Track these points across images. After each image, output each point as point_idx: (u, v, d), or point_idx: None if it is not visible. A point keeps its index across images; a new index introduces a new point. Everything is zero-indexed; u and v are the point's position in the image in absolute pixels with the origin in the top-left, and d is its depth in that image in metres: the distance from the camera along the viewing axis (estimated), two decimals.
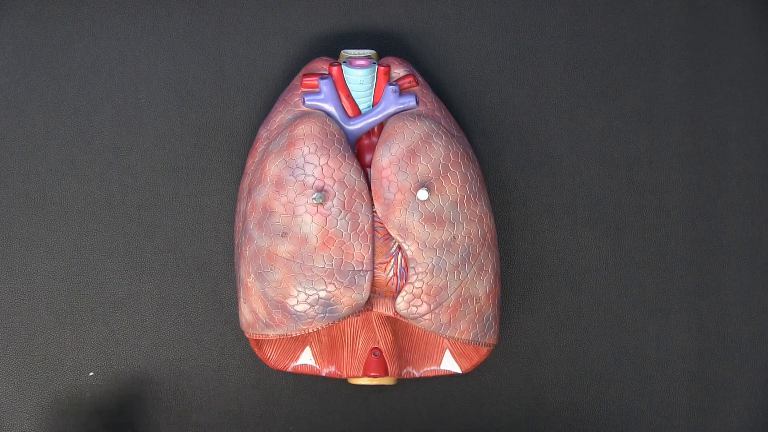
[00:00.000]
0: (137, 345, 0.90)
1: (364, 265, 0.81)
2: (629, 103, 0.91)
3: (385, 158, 0.82)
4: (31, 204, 0.91)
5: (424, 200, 0.81)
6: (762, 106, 0.91)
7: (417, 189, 0.81)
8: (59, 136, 0.91)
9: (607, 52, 0.91)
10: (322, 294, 0.81)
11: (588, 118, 0.91)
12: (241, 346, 0.90)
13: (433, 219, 0.81)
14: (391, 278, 0.82)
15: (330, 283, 0.80)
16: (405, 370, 0.90)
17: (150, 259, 0.91)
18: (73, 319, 0.91)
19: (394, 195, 0.81)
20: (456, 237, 0.82)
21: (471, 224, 0.83)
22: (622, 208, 0.92)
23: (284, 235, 0.81)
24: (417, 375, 0.90)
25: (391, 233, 0.81)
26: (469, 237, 0.82)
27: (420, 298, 0.81)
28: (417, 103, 0.85)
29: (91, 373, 0.91)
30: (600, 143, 0.91)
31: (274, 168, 0.82)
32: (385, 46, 0.90)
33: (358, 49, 0.88)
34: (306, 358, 0.89)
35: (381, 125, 0.85)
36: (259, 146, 0.86)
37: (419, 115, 0.83)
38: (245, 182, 0.86)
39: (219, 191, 0.91)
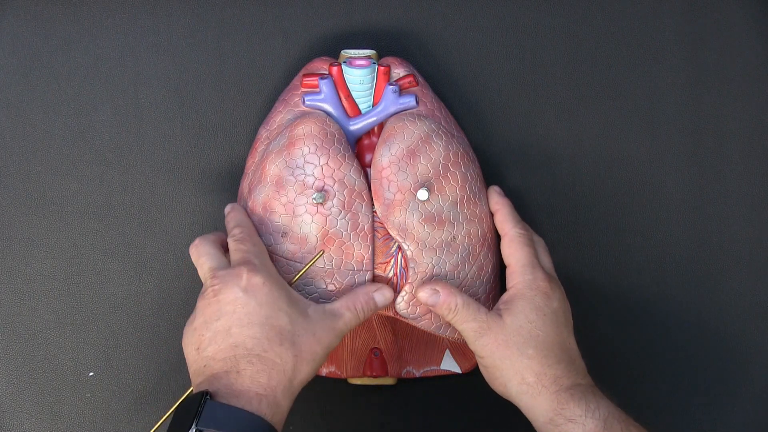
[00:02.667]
0: (137, 345, 0.90)
1: (364, 265, 0.81)
2: (629, 103, 0.91)
3: (385, 158, 0.82)
4: (31, 204, 0.91)
5: (424, 200, 0.81)
6: (762, 106, 0.91)
7: (417, 189, 0.81)
8: (59, 136, 0.91)
9: (607, 52, 0.91)
10: (323, 294, 0.81)
11: (588, 118, 0.91)
12: None
13: (433, 219, 0.81)
14: (391, 278, 0.82)
15: (330, 283, 0.80)
16: (405, 370, 0.90)
17: (150, 259, 0.91)
18: (73, 319, 0.91)
19: (394, 195, 0.81)
20: (456, 237, 0.82)
21: (471, 224, 0.83)
22: (622, 208, 0.92)
23: (284, 235, 0.81)
24: (417, 375, 0.90)
25: (391, 233, 0.81)
26: (469, 237, 0.82)
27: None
28: (417, 103, 0.85)
29: (91, 373, 0.91)
30: (600, 143, 0.91)
31: (274, 168, 0.82)
32: (385, 46, 0.90)
33: (358, 49, 0.88)
34: None
35: (381, 125, 0.85)
36: (259, 146, 0.86)
37: (419, 115, 0.83)
38: (245, 182, 0.86)
39: (219, 191, 0.91)
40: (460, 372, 0.90)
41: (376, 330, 0.88)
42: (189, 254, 0.86)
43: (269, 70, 0.91)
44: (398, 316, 0.82)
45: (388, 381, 0.90)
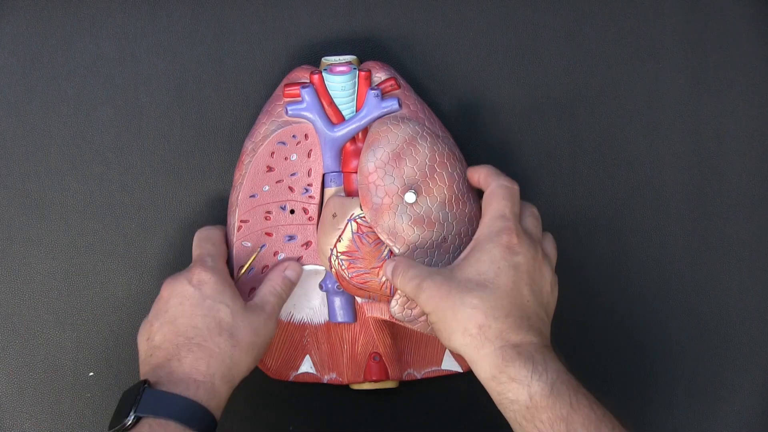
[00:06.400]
0: (137, 345, 0.90)
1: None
2: (629, 103, 0.91)
3: (371, 163, 0.82)
4: (31, 204, 0.90)
5: (412, 203, 0.81)
6: (762, 106, 0.91)
7: (404, 192, 0.81)
8: (59, 136, 0.90)
9: (607, 52, 0.91)
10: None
11: (588, 118, 0.91)
12: None
13: (423, 221, 0.82)
14: (384, 282, 0.82)
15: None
16: (406, 372, 0.90)
17: (150, 259, 0.91)
18: (73, 319, 0.91)
19: (382, 199, 0.82)
20: (447, 237, 0.82)
21: (461, 224, 0.83)
22: (622, 208, 0.92)
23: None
24: (419, 376, 0.90)
25: (381, 237, 0.82)
26: (459, 236, 0.83)
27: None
28: (400, 105, 0.85)
29: (91, 373, 0.91)
30: (600, 143, 0.91)
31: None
32: (369, 51, 0.90)
33: (339, 55, 0.88)
34: (307, 367, 0.89)
35: (365, 130, 0.85)
36: (245, 159, 0.86)
37: (402, 118, 0.84)
38: (234, 196, 0.87)
39: (219, 191, 0.91)
40: (461, 371, 0.90)
41: (374, 334, 0.88)
42: (189, 254, 0.86)
43: (269, 70, 0.91)
44: (394, 320, 0.82)
45: (390, 384, 0.89)
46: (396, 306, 0.81)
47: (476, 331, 0.74)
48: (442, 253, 0.82)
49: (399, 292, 0.81)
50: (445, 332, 0.76)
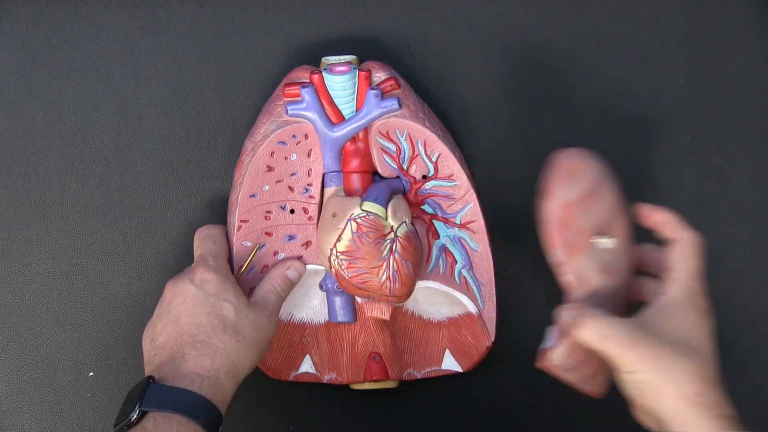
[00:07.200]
0: (137, 345, 0.90)
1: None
2: (629, 102, 0.91)
3: (565, 197, 0.76)
4: (31, 204, 0.90)
5: (608, 249, 0.75)
6: (762, 106, 0.91)
7: (597, 235, 0.75)
8: (59, 136, 0.91)
9: (607, 52, 0.91)
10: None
11: (588, 118, 0.92)
12: None
13: (607, 268, 0.76)
14: (384, 282, 0.82)
15: None
16: (406, 372, 0.90)
17: (150, 259, 0.91)
18: (73, 319, 0.91)
19: (576, 238, 0.75)
20: (619, 289, 0.76)
21: (627, 275, 0.77)
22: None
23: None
24: (419, 376, 0.90)
25: (566, 279, 0.76)
26: (624, 289, 0.77)
27: None
28: (400, 105, 0.85)
29: (91, 373, 0.91)
30: (600, 143, 0.91)
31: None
32: (370, 51, 0.90)
33: (339, 55, 0.88)
34: (307, 367, 0.89)
35: (365, 130, 0.85)
36: (245, 158, 0.86)
37: (592, 157, 0.78)
38: (234, 196, 0.87)
39: (219, 191, 0.91)
40: (461, 371, 0.90)
41: (375, 334, 0.88)
42: (189, 254, 0.86)
43: (269, 70, 0.91)
44: (551, 368, 0.75)
45: (390, 384, 0.89)
46: (560, 354, 0.74)
47: (695, 398, 0.70)
48: (611, 306, 0.75)
49: (568, 340, 0.73)
50: (652, 393, 0.71)
